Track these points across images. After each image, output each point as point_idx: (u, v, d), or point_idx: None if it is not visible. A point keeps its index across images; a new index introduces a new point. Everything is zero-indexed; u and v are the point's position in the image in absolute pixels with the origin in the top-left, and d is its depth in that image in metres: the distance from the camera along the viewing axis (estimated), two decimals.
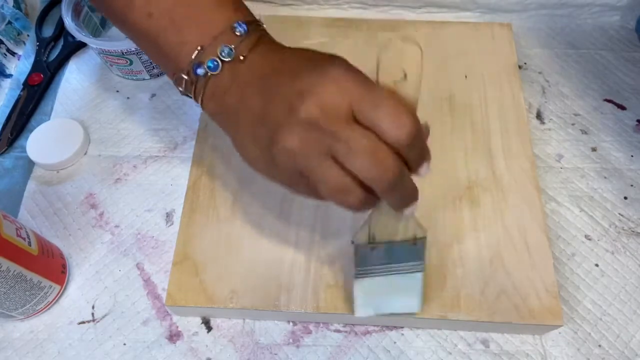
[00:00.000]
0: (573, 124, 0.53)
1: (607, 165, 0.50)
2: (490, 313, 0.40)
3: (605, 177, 0.50)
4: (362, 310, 0.38)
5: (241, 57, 0.31)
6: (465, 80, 0.51)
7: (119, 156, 0.51)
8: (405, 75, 0.28)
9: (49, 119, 0.53)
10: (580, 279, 0.44)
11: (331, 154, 0.27)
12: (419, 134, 0.27)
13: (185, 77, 0.32)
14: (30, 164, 0.50)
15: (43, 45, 0.58)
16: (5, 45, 0.57)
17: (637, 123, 0.53)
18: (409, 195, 0.31)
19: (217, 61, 0.31)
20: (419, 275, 0.37)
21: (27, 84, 0.55)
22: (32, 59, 0.57)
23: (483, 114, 0.49)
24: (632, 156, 0.51)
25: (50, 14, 0.61)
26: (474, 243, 0.42)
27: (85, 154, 0.51)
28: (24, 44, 0.59)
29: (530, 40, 0.58)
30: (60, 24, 0.59)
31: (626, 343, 0.42)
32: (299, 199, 0.44)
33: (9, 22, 0.58)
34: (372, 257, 0.35)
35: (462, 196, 0.45)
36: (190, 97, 0.34)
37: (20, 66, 0.58)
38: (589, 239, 0.46)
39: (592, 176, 0.50)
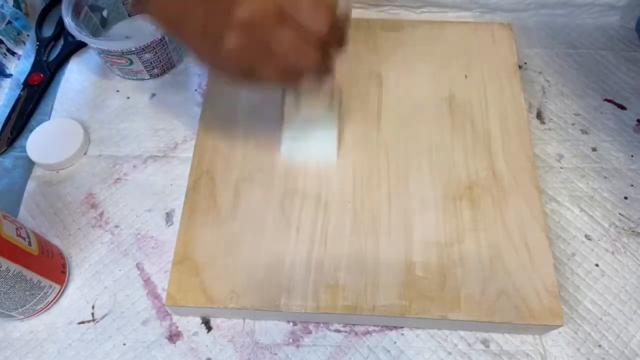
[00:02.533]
0: (573, 124, 0.53)
1: (607, 165, 0.50)
2: (490, 313, 0.40)
3: (605, 177, 0.50)
4: (287, 152, 0.46)
5: None
6: (465, 80, 0.51)
7: (119, 156, 0.51)
8: None
9: (49, 119, 0.53)
10: (580, 279, 0.44)
11: (269, 49, 0.32)
12: (335, 24, 0.32)
13: None
14: (30, 163, 0.50)
15: (43, 45, 0.58)
16: (5, 45, 0.57)
17: (637, 123, 0.53)
18: (327, 71, 0.36)
19: None
20: (334, 133, 0.45)
21: (27, 84, 0.55)
22: (32, 59, 0.57)
23: (483, 114, 0.49)
24: (632, 156, 0.51)
25: (50, 14, 0.61)
26: (474, 243, 0.42)
27: (85, 154, 0.51)
28: (24, 43, 0.59)
29: (530, 40, 0.58)
30: (60, 24, 0.59)
31: (626, 343, 0.42)
32: (299, 198, 0.44)
33: (9, 22, 0.58)
34: (296, 113, 0.44)
35: (462, 196, 0.45)
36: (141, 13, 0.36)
37: (20, 66, 0.58)
38: (589, 239, 0.46)
39: (592, 176, 0.50)
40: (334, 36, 0.34)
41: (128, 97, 0.54)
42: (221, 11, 0.31)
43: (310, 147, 0.46)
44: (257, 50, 0.32)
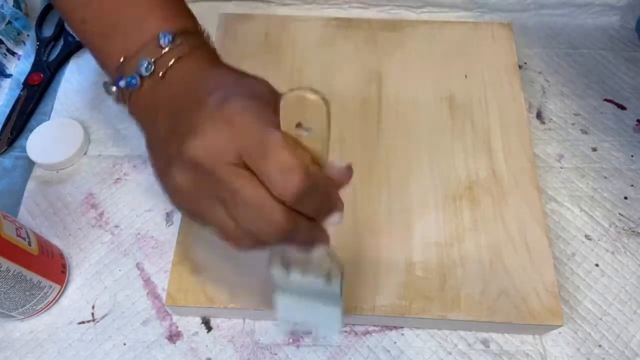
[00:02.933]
0: (573, 124, 0.53)
1: (607, 165, 0.50)
2: (490, 313, 0.40)
3: (605, 177, 0.50)
4: (283, 323, 0.40)
5: (160, 74, 0.29)
6: (465, 80, 0.51)
7: (119, 156, 0.51)
8: (304, 127, 0.25)
9: (49, 119, 0.53)
10: (580, 279, 0.44)
11: (219, 200, 0.26)
12: (312, 190, 0.25)
13: (113, 87, 0.31)
14: (30, 163, 0.50)
15: (43, 45, 0.58)
16: (5, 45, 0.57)
17: (637, 123, 0.53)
18: (309, 241, 0.29)
19: (136, 77, 0.30)
20: (337, 309, 0.34)
21: (27, 84, 0.55)
22: (32, 59, 0.57)
23: (483, 114, 0.49)
24: (632, 156, 0.51)
25: (50, 14, 0.61)
26: (474, 243, 0.42)
27: (85, 154, 0.51)
28: (24, 44, 0.59)
29: (530, 40, 0.58)
30: (60, 24, 0.59)
31: (626, 343, 0.42)
32: None
33: (9, 22, 0.58)
34: (289, 283, 0.33)
35: (462, 196, 0.45)
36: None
37: (20, 66, 0.58)
38: (589, 239, 0.46)
39: (592, 176, 0.50)
40: (310, 204, 0.26)
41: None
42: (178, 135, 0.27)
43: (310, 317, 0.37)
44: (206, 197, 0.26)
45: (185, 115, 0.27)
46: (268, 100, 0.27)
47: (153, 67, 0.29)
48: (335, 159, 0.27)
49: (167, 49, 0.29)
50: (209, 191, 0.26)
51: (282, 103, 0.24)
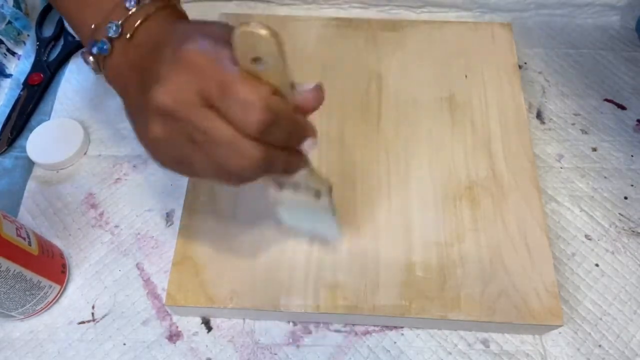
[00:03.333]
0: (573, 124, 0.53)
1: (607, 165, 0.50)
2: (490, 313, 0.40)
3: (605, 177, 0.50)
4: (292, 228, 0.41)
5: (128, 35, 0.30)
6: (465, 80, 0.51)
7: (119, 156, 0.51)
8: (261, 61, 0.25)
9: (49, 119, 0.53)
10: (580, 279, 0.44)
11: (194, 143, 0.27)
12: (275, 120, 0.26)
13: (89, 57, 0.32)
14: (30, 163, 0.50)
15: (43, 45, 0.58)
16: (5, 45, 0.57)
17: (637, 123, 0.53)
18: (288, 169, 0.30)
19: (106, 42, 0.30)
20: (332, 221, 0.38)
21: (27, 84, 0.55)
22: (32, 59, 0.57)
23: (483, 114, 0.49)
24: (632, 156, 0.51)
25: (50, 14, 0.61)
26: (474, 243, 0.42)
27: (85, 154, 0.51)
28: (24, 43, 0.59)
29: (530, 40, 0.58)
30: (60, 24, 0.59)
31: (626, 343, 0.42)
32: None
33: (9, 22, 0.58)
34: (284, 201, 0.37)
35: (462, 196, 0.45)
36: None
37: (20, 66, 0.58)
38: (589, 239, 0.46)
39: (592, 176, 0.50)
40: (283, 132, 0.27)
41: None
42: (146, 91, 0.27)
43: (311, 225, 0.41)
44: (183, 142, 0.27)
45: (150, 69, 0.28)
46: (225, 39, 0.27)
47: (120, 29, 0.30)
48: (304, 82, 0.28)
49: (133, 11, 0.30)
50: (183, 136, 0.27)
51: (234, 39, 0.24)
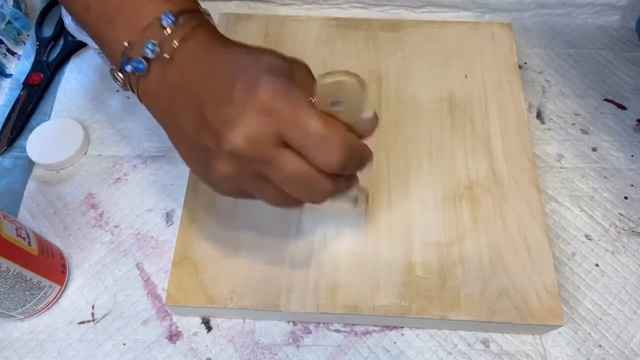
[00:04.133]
0: (573, 124, 0.53)
1: (607, 165, 0.50)
2: (490, 313, 0.40)
3: (605, 177, 0.50)
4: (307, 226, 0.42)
5: (166, 56, 0.29)
6: (465, 80, 0.51)
7: (119, 156, 0.51)
8: (340, 103, 0.26)
9: (49, 119, 0.53)
10: (580, 279, 0.44)
11: (264, 178, 0.28)
12: (351, 159, 0.27)
13: (119, 74, 0.31)
14: (30, 163, 0.50)
15: (43, 45, 0.58)
16: (5, 45, 0.57)
17: (637, 123, 0.53)
18: (346, 190, 0.32)
19: (142, 61, 0.30)
20: (361, 223, 0.41)
21: (27, 84, 0.55)
22: (32, 59, 0.57)
23: (483, 114, 0.49)
24: (632, 156, 0.51)
25: (50, 14, 0.61)
26: (474, 243, 0.42)
27: (85, 154, 0.51)
28: (24, 43, 0.59)
29: (530, 40, 0.58)
30: (60, 24, 0.59)
31: (626, 343, 0.42)
32: None
33: (9, 22, 0.58)
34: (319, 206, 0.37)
35: (462, 196, 0.45)
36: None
37: (20, 66, 0.58)
38: (589, 239, 0.46)
39: (592, 176, 0.50)
40: (355, 166, 0.29)
41: (128, 97, 0.54)
42: (212, 131, 0.27)
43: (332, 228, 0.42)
44: (253, 178, 0.28)
45: (212, 106, 0.27)
46: (288, 73, 0.27)
47: (159, 49, 0.29)
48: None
49: (170, 30, 0.29)
50: (254, 173, 0.27)
51: (318, 87, 0.25)
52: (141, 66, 0.30)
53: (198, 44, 0.30)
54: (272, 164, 0.27)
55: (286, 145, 0.26)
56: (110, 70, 0.32)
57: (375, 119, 0.29)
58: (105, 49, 0.32)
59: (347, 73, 0.25)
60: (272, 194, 0.29)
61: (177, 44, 0.29)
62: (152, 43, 0.29)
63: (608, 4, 0.58)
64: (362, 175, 0.32)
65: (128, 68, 0.30)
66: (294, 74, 0.28)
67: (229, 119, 0.26)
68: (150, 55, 0.29)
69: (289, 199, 0.29)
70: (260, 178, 0.28)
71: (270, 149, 0.26)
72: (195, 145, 0.29)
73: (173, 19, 0.29)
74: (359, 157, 0.29)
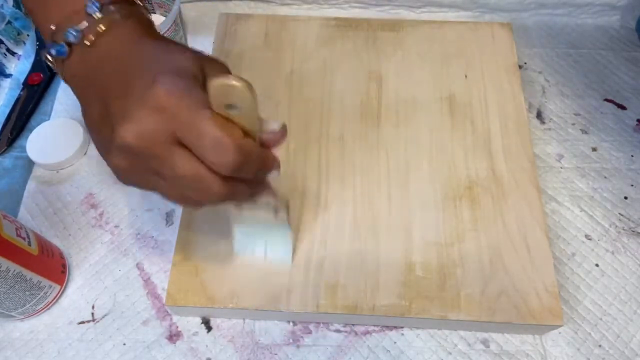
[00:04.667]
0: (573, 124, 0.53)
1: (608, 165, 0.50)
2: (490, 313, 0.40)
3: (605, 177, 0.50)
4: (240, 251, 0.41)
5: (87, 42, 0.30)
6: (465, 80, 0.51)
7: None
8: (236, 107, 0.26)
9: (49, 119, 0.53)
10: (580, 279, 0.44)
11: (159, 175, 0.28)
12: (246, 161, 0.27)
13: (48, 56, 0.31)
14: (30, 163, 0.50)
15: (43, 45, 0.58)
16: (5, 45, 0.57)
17: (637, 123, 0.53)
18: (250, 197, 0.31)
19: (64, 46, 0.30)
20: (287, 238, 0.40)
21: (27, 84, 0.55)
22: (32, 59, 0.57)
23: (483, 114, 0.49)
24: (632, 156, 0.51)
25: None
26: (474, 243, 0.42)
27: (85, 154, 0.51)
28: (24, 43, 0.59)
29: (530, 40, 0.58)
30: None
31: (626, 343, 0.42)
32: (299, 198, 0.44)
33: (9, 22, 0.58)
34: (242, 218, 0.38)
35: (462, 196, 0.45)
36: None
37: (20, 66, 0.57)
38: (589, 239, 0.46)
39: (593, 176, 0.50)
40: (251, 170, 0.28)
41: None
42: (109, 123, 0.27)
43: (263, 246, 0.41)
44: (148, 174, 0.28)
45: (114, 98, 0.28)
46: (194, 74, 0.28)
47: (81, 35, 0.30)
48: (270, 119, 0.29)
49: (95, 18, 0.30)
50: (148, 169, 0.28)
51: (209, 89, 0.25)
52: (63, 50, 0.30)
53: (120, 35, 0.30)
54: (164, 162, 0.27)
55: (181, 144, 0.26)
56: (42, 52, 0.33)
57: (283, 131, 0.30)
58: (40, 32, 0.33)
59: (240, 79, 0.25)
60: (168, 191, 0.29)
61: (99, 32, 0.30)
62: (75, 29, 0.30)
63: (608, 4, 0.58)
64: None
65: (52, 51, 0.31)
66: (208, 75, 0.28)
67: (124, 113, 0.27)
68: (72, 40, 0.30)
69: (185, 198, 0.29)
70: (155, 174, 0.28)
71: (162, 146, 0.26)
72: (99, 133, 0.29)
73: (98, 6, 0.30)
74: (256, 163, 0.29)
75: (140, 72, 0.28)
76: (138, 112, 0.26)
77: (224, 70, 0.30)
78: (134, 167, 0.28)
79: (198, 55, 0.29)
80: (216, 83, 0.25)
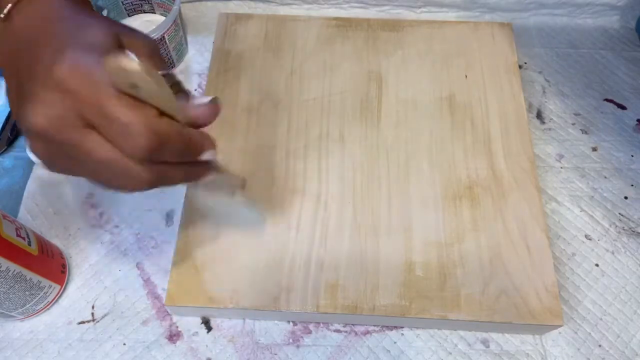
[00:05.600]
0: (573, 124, 0.53)
1: (608, 165, 0.50)
2: (490, 313, 0.40)
3: (605, 177, 0.50)
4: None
5: (1, 15, 0.27)
6: (465, 80, 0.51)
7: None
8: (137, 86, 0.24)
9: None
10: (580, 279, 0.44)
11: (77, 160, 0.26)
12: (163, 144, 0.25)
13: None
14: (30, 163, 0.50)
15: None
16: None
17: (637, 123, 0.53)
18: (188, 179, 0.29)
19: None
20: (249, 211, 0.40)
21: None
22: None
23: (483, 114, 0.49)
24: (632, 156, 0.51)
25: None
26: (474, 243, 0.42)
27: None
28: None
29: (530, 40, 0.58)
30: None
31: (626, 343, 0.42)
32: (299, 198, 0.44)
33: None
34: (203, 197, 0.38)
35: (462, 196, 0.45)
36: None
37: None
38: (589, 239, 0.46)
39: (593, 176, 0.50)
40: (174, 151, 0.26)
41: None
42: (19, 102, 0.25)
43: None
44: (65, 159, 0.26)
45: (25, 77, 0.26)
46: (104, 49, 0.25)
47: None
48: (199, 95, 0.27)
49: None
50: (64, 154, 0.25)
51: (105, 68, 0.23)
52: None
53: (40, 7, 0.28)
54: (77, 148, 0.25)
55: (94, 127, 0.24)
56: None
57: (214, 106, 0.28)
58: None
59: (134, 60, 0.23)
60: (94, 177, 0.27)
61: (13, 4, 0.27)
62: None
63: (608, 4, 0.58)
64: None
65: None
66: (134, 51, 0.25)
67: (30, 94, 0.25)
68: None
69: (112, 184, 0.26)
70: (73, 159, 0.25)
71: (72, 130, 0.24)
72: (17, 117, 0.27)
73: None
74: (178, 144, 0.26)
75: (47, 48, 0.25)
76: (42, 94, 0.24)
77: (147, 44, 0.27)
78: (52, 153, 0.26)
79: (115, 29, 0.27)
80: (109, 63, 0.23)
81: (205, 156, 0.29)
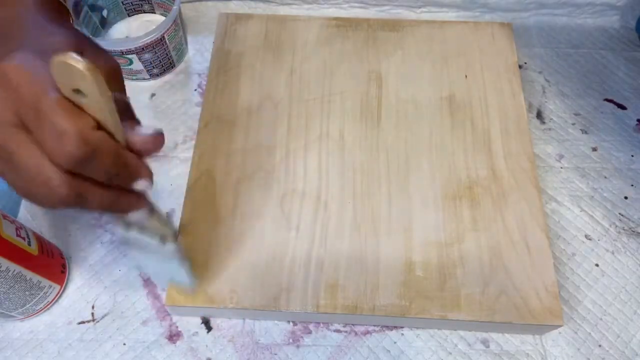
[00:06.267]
0: (573, 124, 0.53)
1: (608, 165, 0.50)
2: (490, 313, 0.40)
3: (605, 177, 0.50)
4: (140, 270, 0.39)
5: None
6: (465, 80, 0.51)
7: None
8: (81, 92, 0.23)
9: None
10: (580, 279, 0.44)
11: (3, 161, 0.25)
12: (91, 155, 0.24)
13: None
14: None
15: None
16: None
17: (637, 123, 0.53)
18: (113, 208, 0.27)
19: None
20: (181, 268, 0.35)
21: None
22: None
23: (483, 114, 0.49)
24: (632, 156, 0.51)
25: None
26: (474, 243, 0.42)
27: None
28: None
29: (530, 40, 0.58)
30: None
31: (626, 343, 0.42)
32: (299, 198, 0.44)
33: None
34: (130, 240, 0.33)
35: (462, 196, 0.45)
36: None
37: None
38: (589, 239, 0.46)
39: (593, 176, 0.50)
40: (102, 169, 0.25)
41: (128, 97, 0.54)
42: None
43: (159, 270, 0.38)
44: (2, 161, 0.25)
45: None
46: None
47: None
48: (146, 126, 0.26)
49: None
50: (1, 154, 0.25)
51: (51, 67, 0.22)
52: None
53: (14, 11, 0.28)
54: (4, 147, 0.24)
55: (27, 129, 0.24)
56: None
57: (158, 138, 0.27)
58: None
59: (83, 60, 0.22)
60: (14, 182, 0.26)
61: None
62: None
63: (608, 4, 0.58)
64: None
65: None
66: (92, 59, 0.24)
67: None
68: None
69: (30, 193, 0.26)
70: (7, 162, 0.25)
71: (5, 127, 0.24)
72: None
73: None
74: (108, 161, 0.25)
75: (2, 47, 0.26)
76: None
77: (108, 65, 0.27)
78: None
79: (80, 43, 0.26)
80: (56, 60, 0.22)
81: (139, 185, 0.27)
